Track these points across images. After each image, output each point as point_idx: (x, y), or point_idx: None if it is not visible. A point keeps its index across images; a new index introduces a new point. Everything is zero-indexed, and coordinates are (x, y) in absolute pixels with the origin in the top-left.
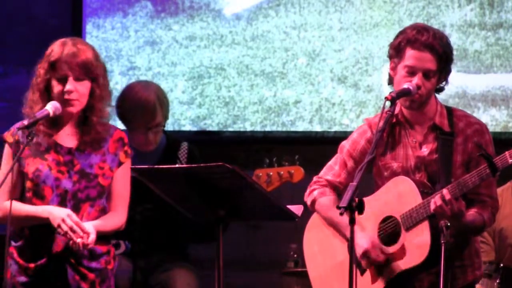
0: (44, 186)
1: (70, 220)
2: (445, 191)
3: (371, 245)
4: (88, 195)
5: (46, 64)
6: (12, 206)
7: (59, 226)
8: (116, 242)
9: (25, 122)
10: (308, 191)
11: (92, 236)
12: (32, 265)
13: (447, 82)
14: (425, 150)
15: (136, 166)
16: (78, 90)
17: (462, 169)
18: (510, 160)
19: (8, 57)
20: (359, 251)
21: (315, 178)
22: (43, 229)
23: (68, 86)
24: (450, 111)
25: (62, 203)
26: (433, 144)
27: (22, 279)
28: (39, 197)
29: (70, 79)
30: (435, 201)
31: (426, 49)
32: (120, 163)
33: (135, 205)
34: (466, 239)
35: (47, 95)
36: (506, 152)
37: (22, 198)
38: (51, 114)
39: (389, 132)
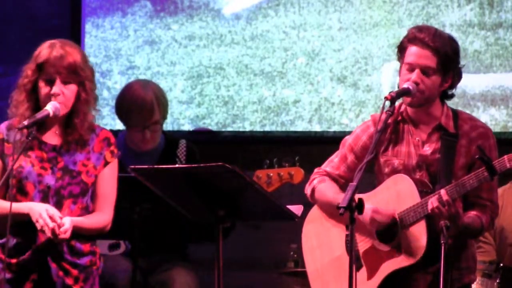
0: (27, 182)
1: (46, 214)
2: (443, 191)
3: (376, 209)
4: (71, 192)
5: (33, 65)
6: None
7: (37, 221)
8: (116, 242)
9: (25, 122)
10: (308, 182)
11: (65, 227)
12: (14, 260)
13: (454, 86)
14: (427, 149)
15: (136, 166)
16: (65, 93)
17: (463, 171)
18: (509, 165)
19: (8, 57)
20: (367, 217)
21: (315, 170)
22: (26, 224)
23: (55, 89)
24: (456, 113)
25: (44, 199)
26: (436, 144)
27: (6, 275)
28: (22, 193)
29: (57, 81)
30: (432, 201)
31: (425, 46)
32: (106, 163)
33: (134, 205)
34: (464, 241)
35: (34, 96)
36: (505, 156)
37: (5, 196)
38: (51, 114)
39: (393, 129)
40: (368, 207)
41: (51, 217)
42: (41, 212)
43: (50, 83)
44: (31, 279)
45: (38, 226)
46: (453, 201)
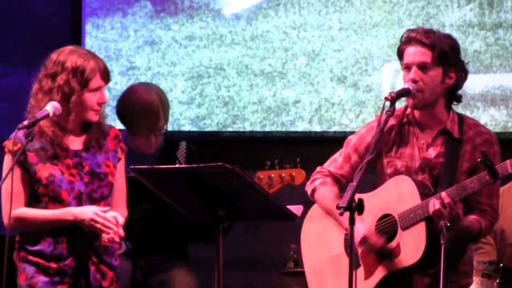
0: (61, 190)
1: (103, 219)
2: (444, 194)
3: (370, 231)
4: (102, 194)
5: (80, 78)
6: (28, 213)
7: (92, 220)
8: None
9: (25, 122)
10: (310, 180)
11: (121, 223)
12: (54, 265)
13: (459, 84)
14: (431, 152)
15: (136, 166)
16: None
17: (465, 176)
18: (511, 169)
19: (8, 57)
20: (358, 237)
21: (318, 168)
22: (66, 231)
23: (104, 98)
24: (461, 118)
25: (79, 205)
26: (441, 148)
27: (41, 278)
28: (56, 201)
29: (103, 89)
30: (434, 203)
31: (417, 44)
32: (119, 159)
33: (134, 205)
34: (462, 246)
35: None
36: (508, 161)
37: (30, 205)
38: (51, 114)
39: (398, 130)
40: (361, 229)
41: (105, 218)
42: (95, 211)
43: (97, 91)
44: (70, 283)
45: (101, 233)
46: (454, 203)
